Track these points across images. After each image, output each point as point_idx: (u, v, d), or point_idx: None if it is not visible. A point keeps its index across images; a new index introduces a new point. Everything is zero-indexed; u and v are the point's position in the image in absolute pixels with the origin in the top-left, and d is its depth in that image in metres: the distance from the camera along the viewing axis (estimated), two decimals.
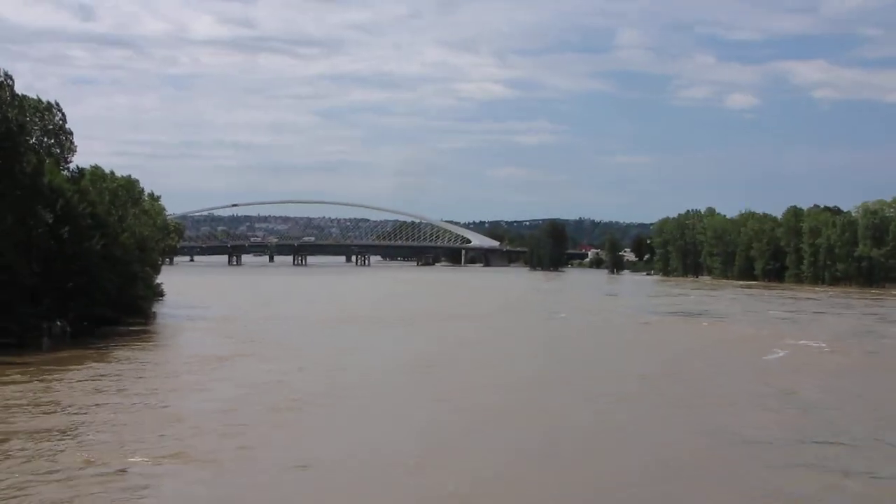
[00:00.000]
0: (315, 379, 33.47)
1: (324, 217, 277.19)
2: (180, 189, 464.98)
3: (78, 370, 33.65)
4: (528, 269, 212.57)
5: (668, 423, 26.11)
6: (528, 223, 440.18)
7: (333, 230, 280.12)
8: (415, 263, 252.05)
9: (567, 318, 65.63)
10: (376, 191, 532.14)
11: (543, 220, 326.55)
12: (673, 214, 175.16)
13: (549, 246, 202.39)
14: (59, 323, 43.76)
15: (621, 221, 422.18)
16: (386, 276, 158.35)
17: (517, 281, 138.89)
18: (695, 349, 45.21)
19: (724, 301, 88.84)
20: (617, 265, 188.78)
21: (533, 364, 38.86)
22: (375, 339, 48.03)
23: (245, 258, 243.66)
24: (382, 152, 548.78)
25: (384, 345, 45.01)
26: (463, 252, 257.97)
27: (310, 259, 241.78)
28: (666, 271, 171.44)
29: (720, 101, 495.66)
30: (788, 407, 28.99)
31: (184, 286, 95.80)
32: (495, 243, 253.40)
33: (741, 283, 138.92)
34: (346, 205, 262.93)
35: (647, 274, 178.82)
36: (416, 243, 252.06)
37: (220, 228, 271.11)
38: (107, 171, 57.43)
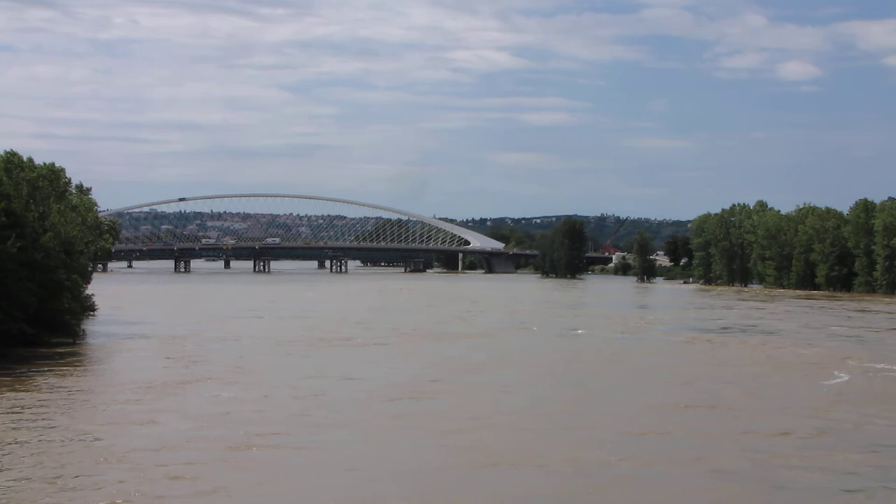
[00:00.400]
0: (279, 410, 33.77)
1: (291, 214, 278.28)
2: (116, 180, 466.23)
3: None
4: (538, 275, 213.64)
5: (699, 470, 26.53)
6: (538, 221, 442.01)
7: (303, 229, 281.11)
8: (402, 269, 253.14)
9: (586, 333, 66.11)
10: (355, 182, 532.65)
11: (558, 218, 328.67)
12: (715, 210, 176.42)
13: (564, 248, 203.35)
14: None
15: (652, 218, 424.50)
16: (367, 285, 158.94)
17: (526, 290, 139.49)
18: (741, 372, 45.65)
19: (776, 315, 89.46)
20: (647, 271, 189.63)
21: (539, 395, 39.28)
22: (352, 364, 48.36)
23: (195, 264, 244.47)
24: (362, 135, 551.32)
25: (362, 371, 45.36)
26: (460, 256, 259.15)
27: (274, 264, 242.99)
28: (707, 279, 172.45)
29: (772, 71, 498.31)
30: (856, 448, 29.39)
31: (120, 298, 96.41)
32: (499, 245, 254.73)
33: (799, 292, 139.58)
34: (319, 199, 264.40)
35: (685, 282, 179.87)
36: (403, 245, 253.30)
37: (164, 228, 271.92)
38: (25, 157, 57.34)
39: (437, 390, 39.21)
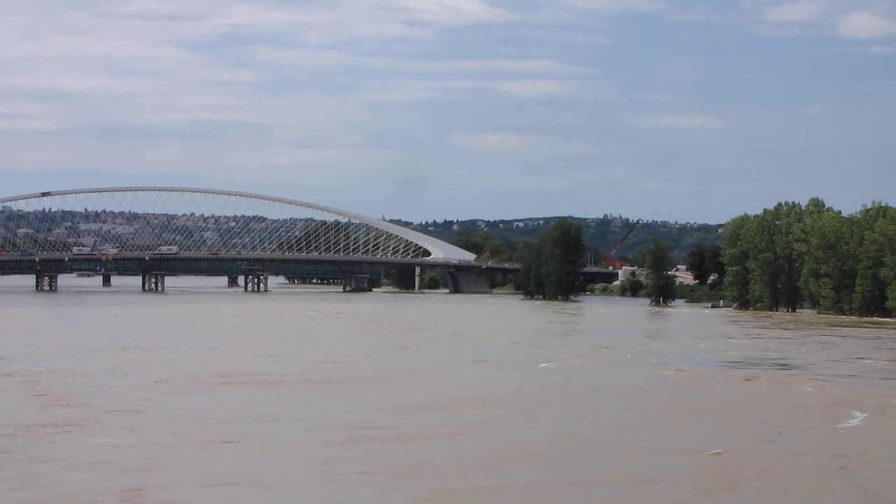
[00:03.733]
0: (164, 459, 35.26)
1: (193, 214, 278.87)
2: None
3: None
4: (520, 296, 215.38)
5: None
6: (521, 224, 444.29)
7: (208, 235, 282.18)
8: (340, 288, 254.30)
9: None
10: (278, 172, 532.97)
11: (547, 220, 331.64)
12: (755, 210, 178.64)
13: (555, 261, 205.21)
14: None
15: (672, 222, 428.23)
16: (292, 308, 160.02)
17: (502, 318, 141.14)
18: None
19: (824, 350, 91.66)
20: (663, 292, 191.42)
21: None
22: (263, 411, 49.84)
23: (64, 279, 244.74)
24: (288, 109, 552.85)
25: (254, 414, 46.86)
26: (417, 270, 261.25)
27: (170, 281, 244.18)
28: (743, 301, 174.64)
29: (832, 26, 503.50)
30: None
31: None
32: (469, 256, 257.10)
33: (865, 319, 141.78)
34: (230, 194, 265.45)
35: (713, 306, 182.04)
36: (341, 256, 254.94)
37: (22, 232, 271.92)
38: None
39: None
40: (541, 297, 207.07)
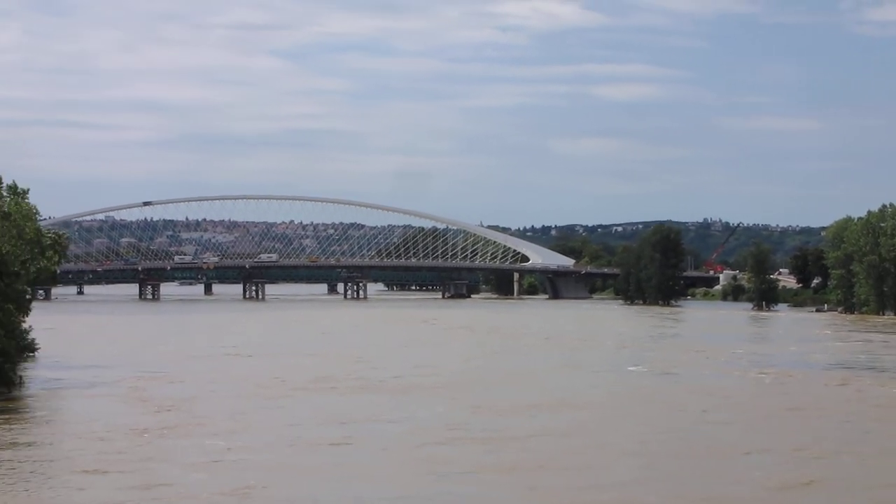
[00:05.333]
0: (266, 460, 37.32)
1: (292, 222, 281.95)
2: (60, 178, 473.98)
3: None
4: (619, 301, 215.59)
5: None
6: (619, 229, 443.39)
7: (307, 242, 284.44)
8: (439, 295, 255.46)
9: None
10: (375, 179, 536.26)
11: (646, 225, 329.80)
12: (860, 213, 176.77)
13: (654, 265, 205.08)
14: None
15: (773, 225, 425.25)
16: (390, 314, 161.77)
17: (598, 323, 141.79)
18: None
19: None
20: (766, 296, 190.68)
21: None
22: (345, 409, 51.72)
23: (166, 288, 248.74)
24: (382, 117, 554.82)
25: (353, 415, 48.66)
26: (516, 276, 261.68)
27: (270, 289, 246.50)
28: (848, 305, 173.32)
29: None
30: None
31: (68, 334, 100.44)
32: (568, 262, 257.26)
33: None
34: (328, 201, 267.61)
35: (817, 310, 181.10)
36: (440, 263, 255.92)
37: (125, 241, 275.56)
38: None
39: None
40: (640, 301, 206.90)
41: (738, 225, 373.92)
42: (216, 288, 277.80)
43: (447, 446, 41.45)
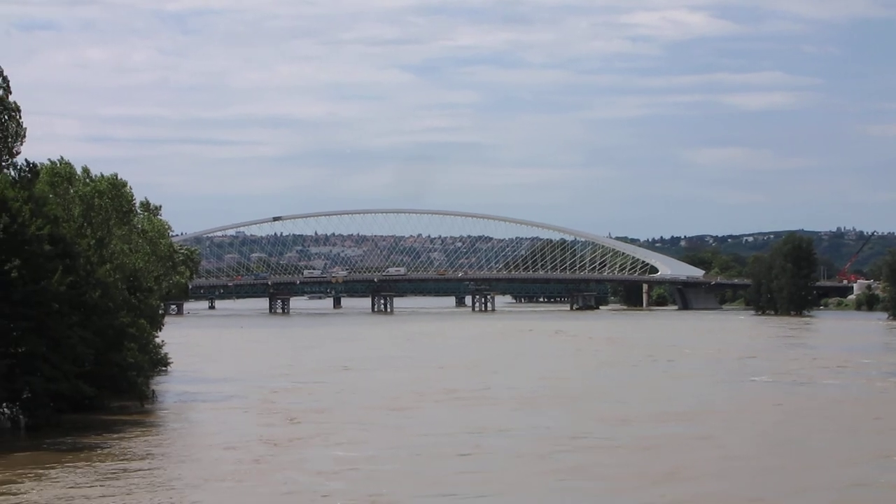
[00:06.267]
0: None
1: (420, 235, 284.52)
2: (191, 194, 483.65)
3: (38, 489, 36.12)
4: (751, 311, 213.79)
5: None
6: (750, 239, 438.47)
7: (435, 256, 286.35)
8: (567, 307, 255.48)
9: None
10: (503, 192, 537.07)
11: (777, 235, 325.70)
12: None
13: (786, 275, 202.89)
14: (5, 409, 47.37)
15: None
16: (517, 326, 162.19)
17: (727, 333, 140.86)
18: None
19: None
20: None
21: None
22: (485, 417, 52.61)
23: (296, 302, 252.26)
24: (511, 130, 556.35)
25: (496, 424, 49.50)
26: (645, 287, 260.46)
27: (398, 302, 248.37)
28: None
29: None
30: None
31: (200, 349, 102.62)
32: (698, 272, 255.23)
33: None
34: (456, 215, 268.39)
35: None
36: (567, 274, 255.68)
37: (255, 256, 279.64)
38: (77, 166, 59.42)
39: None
40: (772, 312, 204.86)
41: (873, 234, 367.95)
42: (345, 301, 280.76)
43: (576, 455, 42.29)
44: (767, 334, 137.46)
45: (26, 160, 52.67)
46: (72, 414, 49.81)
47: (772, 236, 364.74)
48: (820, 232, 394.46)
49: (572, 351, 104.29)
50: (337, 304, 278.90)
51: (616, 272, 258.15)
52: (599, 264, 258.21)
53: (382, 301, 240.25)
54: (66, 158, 58.82)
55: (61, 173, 57.28)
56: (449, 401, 60.39)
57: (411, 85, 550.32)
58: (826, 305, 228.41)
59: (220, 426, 51.51)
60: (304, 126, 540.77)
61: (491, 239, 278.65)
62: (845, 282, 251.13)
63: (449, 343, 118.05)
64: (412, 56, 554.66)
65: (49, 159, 58.15)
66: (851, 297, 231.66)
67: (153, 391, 60.61)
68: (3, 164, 50.55)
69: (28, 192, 48.19)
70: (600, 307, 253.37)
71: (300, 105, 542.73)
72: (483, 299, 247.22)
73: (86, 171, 60.28)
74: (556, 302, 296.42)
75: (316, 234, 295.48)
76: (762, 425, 51.28)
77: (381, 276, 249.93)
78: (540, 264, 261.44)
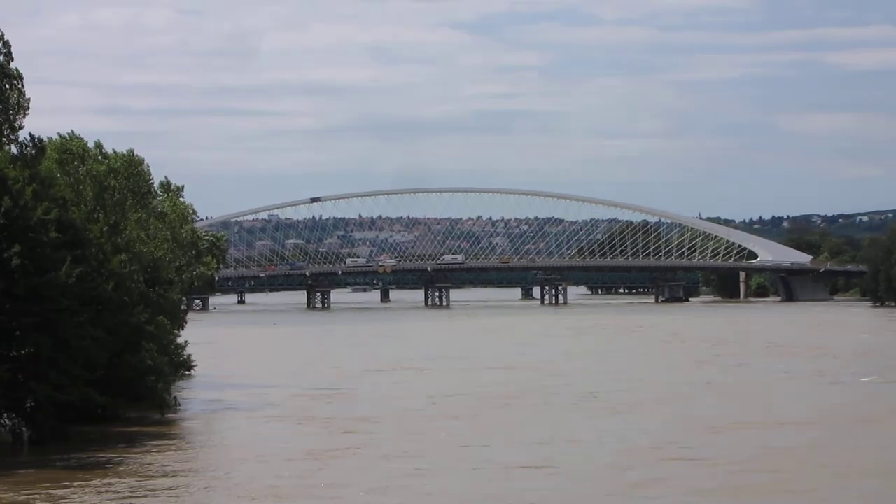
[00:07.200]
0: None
1: (479, 218, 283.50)
2: (217, 172, 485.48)
3: None
4: (867, 303, 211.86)
5: None
6: (864, 219, 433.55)
7: (498, 241, 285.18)
8: (651, 298, 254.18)
9: None
10: (574, 166, 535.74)
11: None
12: None
13: None
14: (6, 420, 47.47)
15: None
16: (594, 322, 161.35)
17: (850, 330, 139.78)
18: None
19: None
20: None
21: None
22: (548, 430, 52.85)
23: (337, 296, 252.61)
24: (581, 94, 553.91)
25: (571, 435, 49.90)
26: (742, 276, 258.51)
27: (455, 294, 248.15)
28: None
29: None
30: None
31: (228, 350, 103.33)
32: (804, 258, 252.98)
33: None
34: (521, 193, 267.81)
35: None
36: (651, 262, 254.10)
37: (290, 243, 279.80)
38: (89, 141, 59.64)
39: None
40: (893, 303, 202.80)
41: None
42: (394, 294, 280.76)
43: (657, 469, 42.53)
44: (884, 328, 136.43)
45: (30, 135, 52.60)
46: (81, 426, 49.66)
47: (890, 215, 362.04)
48: None
49: (659, 351, 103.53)
50: (385, 297, 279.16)
51: (708, 258, 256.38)
52: (688, 249, 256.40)
53: (437, 293, 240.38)
54: (75, 132, 59.11)
55: (71, 149, 57.52)
56: (514, 407, 60.73)
57: (465, 46, 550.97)
58: None
59: (252, 438, 51.90)
60: (345, 94, 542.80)
61: (562, 221, 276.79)
62: None
63: (514, 342, 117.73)
64: (465, 12, 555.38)
65: (58, 133, 58.42)
66: None
67: (175, 398, 60.14)
68: (4, 139, 50.50)
69: (32, 170, 48.46)
70: (689, 299, 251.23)
71: (340, 70, 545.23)
72: (553, 290, 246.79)
73: (98, 146, 60.58)
74: (637, 293, 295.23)
75: (360, 216, 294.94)
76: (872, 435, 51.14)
77: (435, 265, 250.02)
78: (619, 250, 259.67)
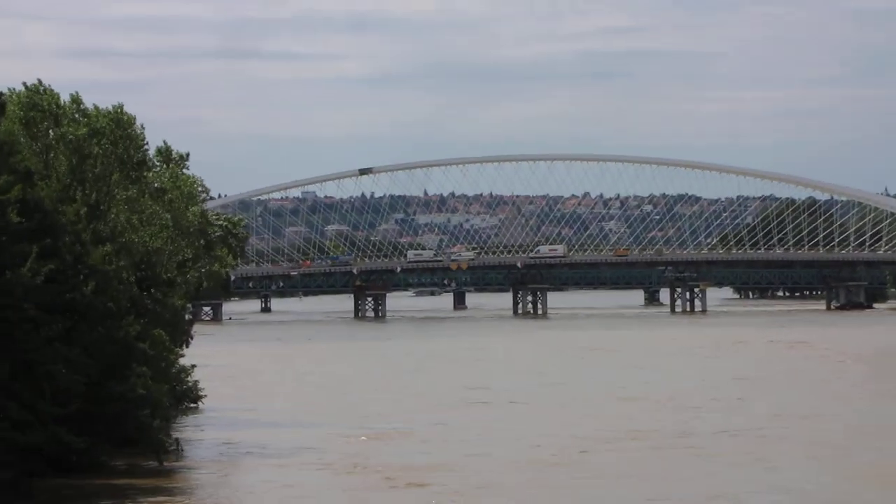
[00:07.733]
0: None
1: (587, 196, 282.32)
2: (233, 134, 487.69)
3: None
4: None
5: None
6: None
7: (612, 226, 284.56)
8: (822, 304, 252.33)
9: None
10: (716, 126, 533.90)
11: None
12: None
13: None
14: None
15: None
16: (740, 337, 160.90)
17: None
18: None
19: None
20: None
21: None
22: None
23: (396, 300, 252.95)
24: (725, 28, 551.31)
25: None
26: None
27: (553, 298, 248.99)
28: None
29: None
30: None
31: (247, 376, 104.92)
32: None
33: None
34: (644, 162, 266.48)
35: None
36: (821, 254, 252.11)
37: (332, 229, 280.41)
38: (63, 94, 60.72)
39: None
40: None
41: None
42: (471, 299, 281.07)
43: None
44: None
45: None
46: (51, 478, 49.76)
47: None
48: None
49: (824, 376, 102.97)
50: (459, 302, 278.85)
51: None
52: (872, 237, 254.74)
53: (530, 297, 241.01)
54: (44, 83, 59.83)
55: (39, 105, 58.25)
56: (628, 451, 61.14)
57: None
58: None
59: (282, 495, 52.00)
60: (403, 29, 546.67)
61: (699, 200, 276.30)
62: None
63: (632, 364, 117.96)
64: None
65: (23, 84, 59.47)
66: None
67: (176, 440, 60.48)
68: None
69: None
70: (874, 305, 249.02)
71: (398, 0, 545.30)
72: (687, 294, 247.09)
73: (75, 101, 61.41)
74: (802, 297, 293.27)
75: (426, 194, 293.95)
76: None
77: (527, 260, 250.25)
78: (777, 238, 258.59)
